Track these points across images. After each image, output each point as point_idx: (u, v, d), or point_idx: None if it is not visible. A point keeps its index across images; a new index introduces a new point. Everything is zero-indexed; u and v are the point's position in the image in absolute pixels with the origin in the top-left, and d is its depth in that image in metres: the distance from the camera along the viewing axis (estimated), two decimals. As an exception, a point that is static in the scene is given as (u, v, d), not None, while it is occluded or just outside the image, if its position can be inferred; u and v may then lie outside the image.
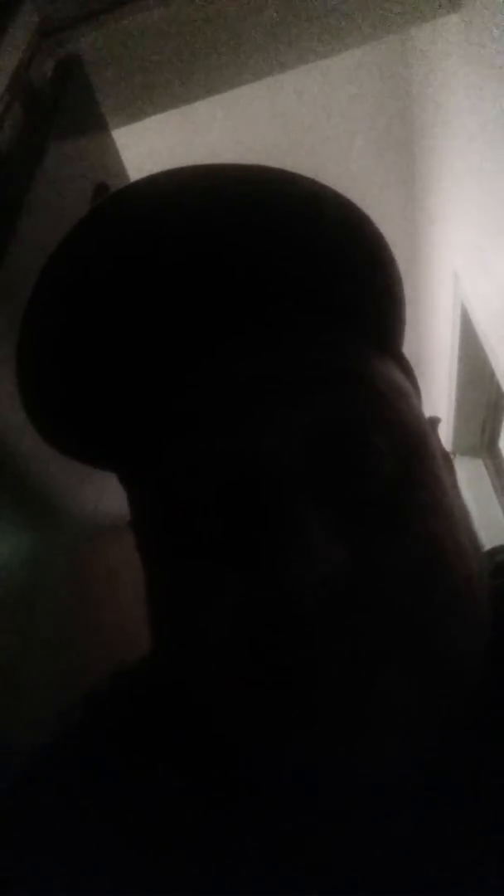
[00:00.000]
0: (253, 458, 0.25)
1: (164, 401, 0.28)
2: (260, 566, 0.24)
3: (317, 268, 0.28)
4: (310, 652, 0.23)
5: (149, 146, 1.33)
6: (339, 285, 0.28)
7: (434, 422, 0.33)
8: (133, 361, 0.28)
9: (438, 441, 0.32)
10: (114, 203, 0.28)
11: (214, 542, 0.26)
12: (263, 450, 0.25)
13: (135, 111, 1.13)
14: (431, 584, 0.25)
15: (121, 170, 1.05)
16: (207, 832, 0.27)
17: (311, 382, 0.26)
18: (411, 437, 0.28)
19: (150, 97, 1.12)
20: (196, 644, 0.26)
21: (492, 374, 1.76)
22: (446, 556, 0.26)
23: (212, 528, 0.26)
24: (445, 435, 2.24)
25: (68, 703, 0.34)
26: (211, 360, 0.27)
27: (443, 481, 0.29)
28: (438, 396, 2.16)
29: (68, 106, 0.88)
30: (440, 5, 1.18)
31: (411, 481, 0.27)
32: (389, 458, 0.26)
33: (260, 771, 0.26)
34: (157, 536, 0.28)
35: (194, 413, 0.27)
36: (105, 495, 0.69)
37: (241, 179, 0.27)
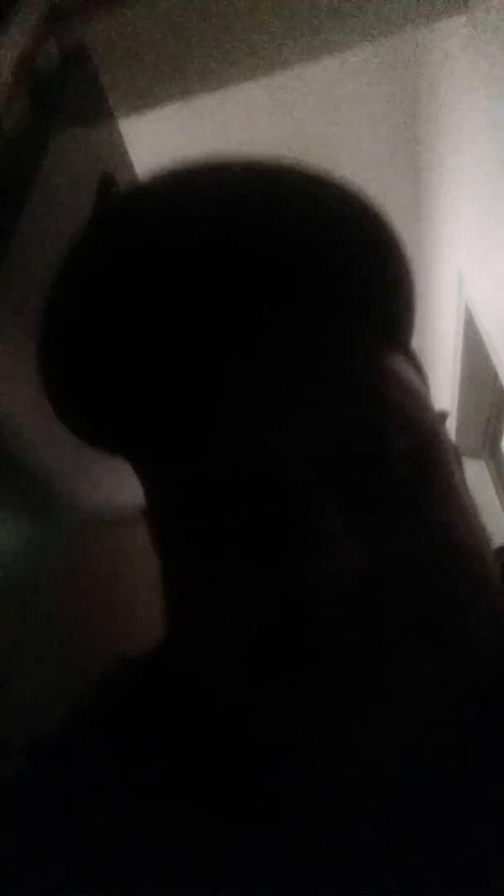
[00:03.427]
0: (274, 455, 0.26)
1: (187, 394, 0.28)
2: (281, 558, 0.24)
3: (329, 263, 0.28)
4: (329, 643, 0.24)
5: (154, 136, 1.32)
6: (351, 279, 0.29)
7: (442, 416, 0.33)
8: (153, 354, 0.28)
9: (447, 436, 0.32)
10: (128, 200, 0.29)
11: (235, 534, 0.26)
12: (285, 448, 0.26)
13: (141, 101, 1.12)
14: (447, 574, 0.26)
15: (126, 159, 1.04)
16: (213, 823, 0.27)
17: (330, 384, 0.27)
18: (424, 434, 0.28)
19: (156, 87, 1.11)
20: (213, 633, 0.26)
21: (495, 376, 1.76)
22: (461, 548, 0.26)
23: (233, 520, 0.26)
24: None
25: (79, 690, 0.34)
26: (233, 357, 0.27)
27: (455, 477, 0.29)
28: (441, 397, 2.16)
29: (74, 94, 0.87)
30: (448, 5, 1.17)
31: (426, 476, 0.27)
32: (405, 456, 0.27)
33: (267, 761, 0.27)
34: (176, 526, 0.28)
35: (216, 408, 0.27)
36: (104, 487, 0.69)
37: (251, 174, 0.27)
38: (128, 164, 1.05)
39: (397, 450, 0.26)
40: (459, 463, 0.32)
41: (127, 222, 0.28)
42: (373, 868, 0.25)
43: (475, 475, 2.19)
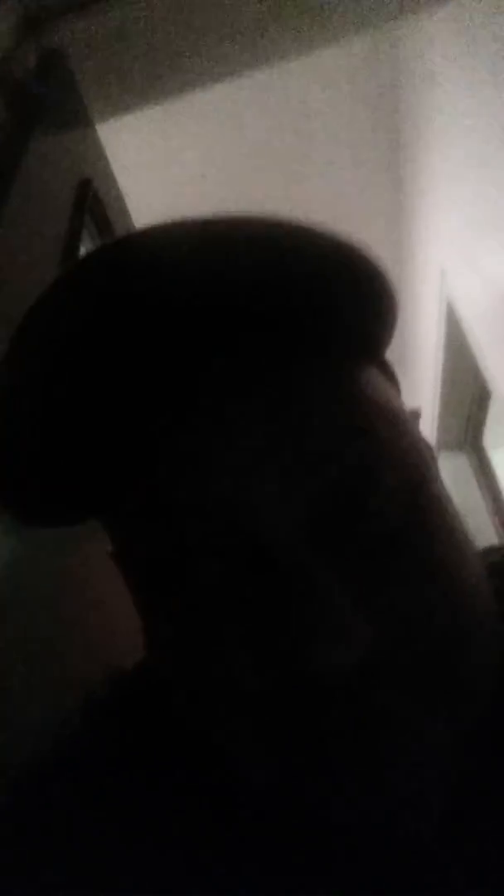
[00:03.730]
0: (260, 521, 0.24)
1: (156, 461, 0.26)
2: (282, 643, 0.23)
3: (305, 306, 0.26)
4: (339, 719, 0.23)
5: (132, 141, 1.32)
6: (329, 318, 0.27)
7: (415, 415, 0.33)
8: (120, 409, 0.26)
9: (424, 438, 0.32)
10: (98, 256, 0.26)
11: (225, 611, 0.25)
12: (272, 511, 0.24)
13: (119, 105, 1.12)
14: (453, 628, 0.25)
15: (105, 165, 1.04)
16: (205, 842, 0.28)
17: (311, 434, 0.25)
18: (413, 467, 0.27)
19: (134, 91, 1.11)
20: (209, 695, 0.25)
21: (476, 370, 1.78)
22: (461, 588, 0.26)
23: (219, 591, 0.25)
24: (429, 430, 2.25)
25: (67, 709, 0.34)
26: (203, 416, 0.26)
27: (443, 498, 0.28)
28: (423, 391, 2.18)
29: (51, 99, 0.87)
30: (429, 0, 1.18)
31: (420, 514, 0.26)
32: (396, 496, 0.25)
33: (268, 801, 0.27)
34: (158, 587, 0.27)
35: (191, 474, 0.25)
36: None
37: (222, 233, 0.25)
38: (106, 169, 1.05)
39: (387, 488, 0.25)
40: (434, 459, 0.31)
41: (84, 285, 0.25)
42: (372, 879, 0.26)
43: (457, 468, 2.21)
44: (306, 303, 0.26)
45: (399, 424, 0.28)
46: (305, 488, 0.24)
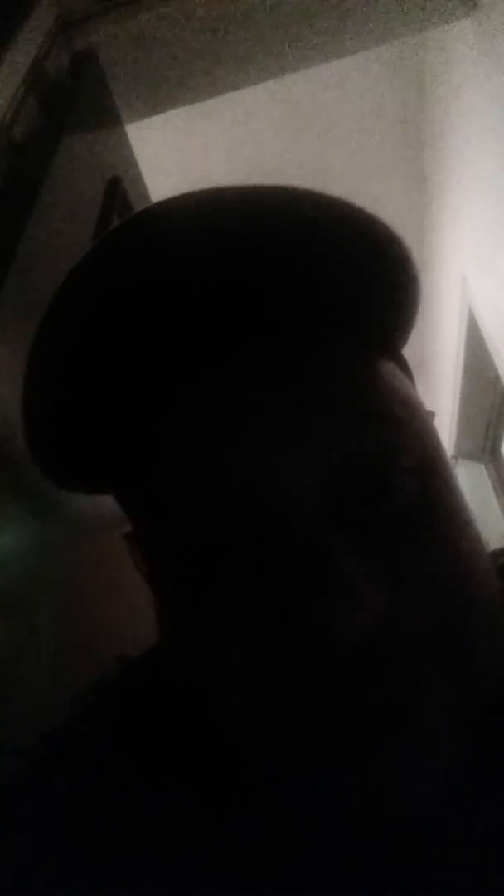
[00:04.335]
0: (278, 494, 0.25)
1: (180, 435, 0.27)
2: (297, 610, 0.23)
3: (332, 285, 0.27)
4: (351, 689, 0.24)
5: (160, 140, 1.33)
6: (355, 300, 0.28)
7: (430, 415, 0.33)
8: (145, 382, 0.27)
9: (439, 436, 0.32)
10: (127, 229, 0.27)
11: (240, 580, 0.25)
12: (289, 486, 0.25)
13: (148, 106, 1.14)
14: (462, 601, 0.25)
15: (133, 163, 1.06)
16: (213, 826, 0.28)
17: (330, 412, 0.26)
18: (427, 449, 0.28)
19: (163, 93, 1.13)
20: (223, 676, 0.25)
21: (496, 379, 1.76)
22: (471, 571, 0.26)
23: (237, 565, 0.25)
24: (447, 438, 2.24)
25: (80, 689, 0.35)
26: (223, 386, 0.26)
27: (455, 487, 0.29)
28: (442, 399, 2.16)
29: (83, 99, 0.88)
30: (454, 9, 1.18)
31: (431, 494, 0.27)
32: (410, 476, 0.26)
33: (280, 786, 0.27)
34: (175, 561, 0.27)
35: (214, 449, 0.26)
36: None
37: (249, 202, 0.26)
38: (134, 167, 1.07)
39: (403, 469, 0.26)
40: (448, 462, 0.32)
41: (119, 257, 0.26)
42: (370, 876, 0.26)
43: (475, 478, 2.19)
44: (335, 276, 0.27)
45: (414, 409, 0.29)
46: (324, 464, 0.25)
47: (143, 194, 1.09)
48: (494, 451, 2.22)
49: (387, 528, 0.25)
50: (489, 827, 0.26)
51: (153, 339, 0.26)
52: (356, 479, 0.25)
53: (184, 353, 0.27)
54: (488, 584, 0.27)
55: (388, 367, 0.29)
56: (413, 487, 0.26)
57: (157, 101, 1.14)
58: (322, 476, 0.25)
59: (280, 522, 0.24)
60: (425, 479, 0.27)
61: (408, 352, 0.34)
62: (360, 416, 0.26)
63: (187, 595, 0.26)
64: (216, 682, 0.26)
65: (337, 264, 0.27)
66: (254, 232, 0.25)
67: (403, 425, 0.27)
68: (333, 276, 0.27)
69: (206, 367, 0.27)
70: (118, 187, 0.87)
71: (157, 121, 1.18)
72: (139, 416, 0.28)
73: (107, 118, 0.98)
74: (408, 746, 0.24)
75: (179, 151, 1.65)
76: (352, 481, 0.25)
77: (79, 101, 0.87)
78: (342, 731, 0.24)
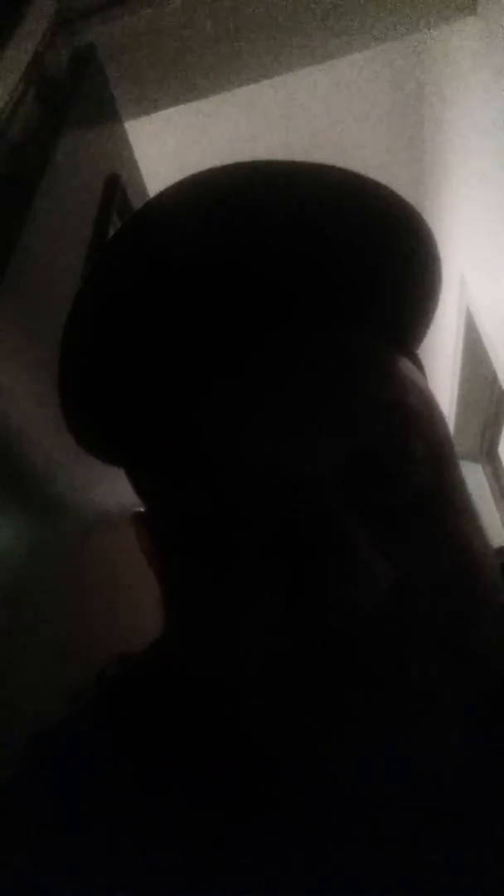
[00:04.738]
0: (296, 475, 0.25)
1: (203, 414, 0.27)
2: (309, 585, 0.24)
3: (356, 273, 0.28)
4: (361, 663, 0.24)
5: (159, 138, 1.33)
6: (378, 292, 0.29)
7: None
8: (172, 365, 0.28)
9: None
10: (147, 213, 0.28)
11: (253, 556, 0.26)
12: (306, 466, 0.25)
13: (148, 103, 1.13)
14: (468, 586, 0.26)
15: (132, 160, 1.05)
16: (214, 819, 0.28)
17: (349, 398, 0.26)
18: (440, 443, 0.28)
19: (163, 89, 1.12)
20: (235, 655, 0.26)
21: (494, 380, 1.77)
22: (477, 558, 0.27)
23: (251, 542, 0.26)
24: (446, 438, 2.23)
25: (80, 684, 0.35)
26: (246, 368, 0.27)
27: (464, 483, 0.30)
28: (439, 399, 2.16)
29: (82, 95, 0.88)
30: (456, 8, 1.18)
31: (443, 485, 0.27)
32: (424, 467, 0.27)
33: (290, 768, 0.27)
34: (188, 546, 0.27)
35: (233, 428, 0.26)
36: (104, 486, 0.69)
37: (271, 181, 0.26)
38: (133, 164, 1.06)
39: (418, 457, 0.26)
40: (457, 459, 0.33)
41: (143, 239, 0.28)
42: (383, 871, 0.26)
43: (472, 479, 2.19)
44: (360, 261, 0.27)
45: (429, 402, 0.30)
46: (342, 448, 0.26)
47: (142, 191, 1.09)
48: (491, 451, 2.22)
49: (399, 514, 0.26)
50: (491, 818, 0.27)
51: (185, 322, 0.27)
52: (372, 464, 0.26)
53: (215, 337, 0.27)
54: (494, 576, 0.27)
55: (405, 363, 0.30)
56: (426, 477, 0.27)
57: (156, 98, 1.14)
58: (339, 459, 0.25)
59: (297, 501, 0.25)
60: (437, 471, 0.27)
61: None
62: (378, 405, 0.27)
63: (201, 572, 0.27)
64: (228, 659, 0.26)
65: (360, 244, 0.27)
66: (283, 213, 0.26)
67: (419, 417, 0.28)
68: (357, 256, 0.27)
69: (236, 351, 0.27)
70: (117, 184, 0.87)
71: (156, 118, 1.18)
72: (168, 392, 0.28)
73: (106, 114, 0.98)
74: (414, 721, 0.24)
75: (178, 148, 1.65)
76: (368, 467, 0.26)
77: (78, 97, 0.87)
78: (352, 706, 0.24)
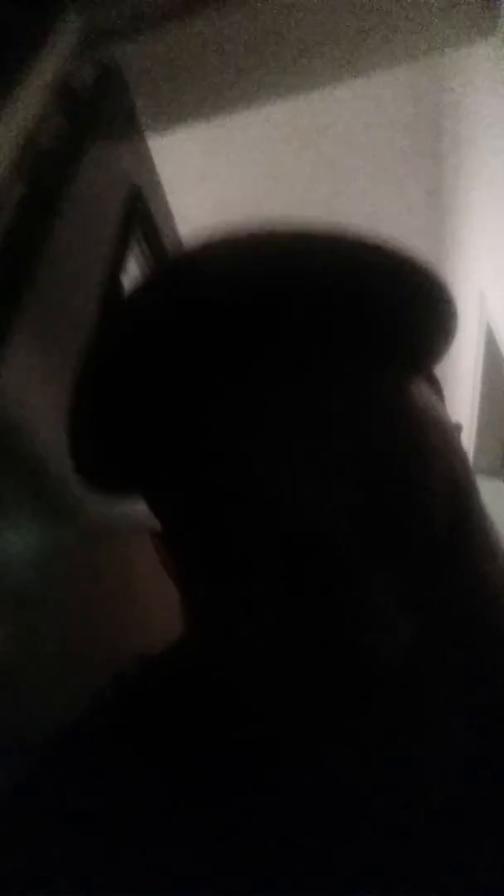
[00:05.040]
0: (310, 514, 0.25)
1: (221, 451, 0.27)
2: (327, 632, 0.24)
3: (361, 313, 0.27)
4: (377, 709, 0.24)
5: (180, 153, 1.35)
6: (385, 327, 0.28)
7: (458, 428, 0.33)
8: (188, 409, 0.28)
9: (462, 448, 0.32)
10: (170, 270, 0.29)
11: (270, 601, 0.25)
12: (324, 509, 0.25)
13: (170, 119, 1.15)
14: (488, 633, 0.26)
15: (154, 175, 1.07)
16: (227, 824, 0.28)
17: (368, 438, 0.26)
18: (457, 474, 0.28)
19: (184, 106, 1.14)
20: (254, 682, 0.26)
21: (514, 395, 1.75)
22: (498, 596, 0.27)
23: (268, 586, 0.25)
24: (465, 455, 2.22)
25: (97, 686, 0.35)
26: (266, 414, 0.27)
27: (483, 510, 0.29)
28: (460, 415, 2.15)
29: (107, 111, 0.90)
30: (475, 29, 1.19)
31: (462, 519, 0.27)
32: (442, 504, 0.26)
33: (290, 766, 0.27)
34: (207, 584, 0.28)
35: (250, 467, 0.26)
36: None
37: (288, 243, 0.27)
38: (155, 179, 1.08)
39: (434, 496, 0.26)
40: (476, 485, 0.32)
41: (165, 287, 0.28)
42: (382, 875, 0.26)
43: (492, 494, 2.16)
44: (373, 312, 0.27)
45: (447, 437, 0.29)
46: (358, 489, 0.25)
47: (164, 205, 1.10)
48: (512, 468, 2.19)
49: (416, 555, 0.25)
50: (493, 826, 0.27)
51: (193, 360, 0.27)
52: (388, 509, 0.25)
53: (221, 371, 0.27)
54: None
55: (419, 387, 0.29)
56: (444, 515, 0.26)
57: (178, 114, 1.16)
58: (356, 500, 0.25)
59: (311, 543, 0.25)
60: (455, 506, 0.27)
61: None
62: (394, 451, 0.26)
63: (217, 605, 0.27)
64: (244, 681, 0.26)
65: (368, 301, 0.27)
66: (287, 273, 0.26)
67: (437, 455, 0.27)
68: (365, 311, 0.27)
69: (252, 389, 0.27)
70: (139, 198, 0.88)
71: (177, 133, 1.20)
72: (180, 426, 0.28)
73: (130, 130, 0.99)
74: (420, 762, 0.24)
75: (199, 164, 1.67)
76: (386, 505, 0.25)
77: (103, 113, 0.88)
78: (364, 746, 0.24)
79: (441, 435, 0.28)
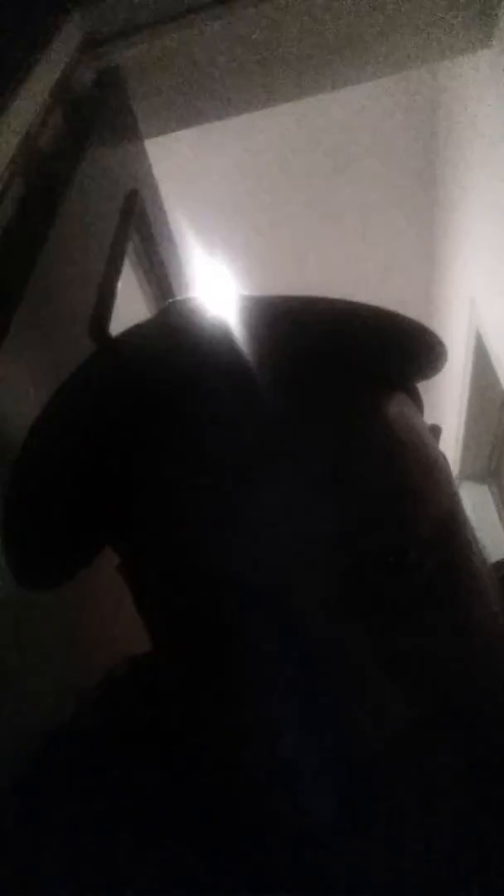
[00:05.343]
0: (285, 580, 0.23)
1: (192, 521, 0.25)
2: (313, 711, 0.23)
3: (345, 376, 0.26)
4: (372, 787, 0.23)
5: (177, 157, 1.36)
6: (374, 374, 0.28)
7: (436, 431, 0.32)
8: (156, 477, 0.26)
9: (442, 456, 0.31)
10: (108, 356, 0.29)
11: (249, 665, 0.24)
12: (298, 573, 0.23)
13: (168, 123, 1.17)
14: (481, 687, 0.25)
15: (151, 178, 1.08)
16: (215, 824, 0.28)
17: (345, 498, 0.24)
18: (444, 508, 0.26)
19: (183, 111, 1.16)
20: (225, 745, 0.25)
21: (502, 401, 1.78)
22: (489, 648, 0.25)
23: (244, 649, 0.24)
24: (452, 459, 2.24)
25: (86, 686, 0.35)
26: (239, 468, 0.24)
27: (469, 532, 0.28)
28: (447, 421, 2.17)
29: (106, 114, 0.91)
30: (470, 40, 1.21)
31: (451, 560, 0.25)
32: (429, 547, 0.25)
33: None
34: (173, 632, 0.26)
35: (221, 533, 0.24)
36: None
37: (253, 317, 0.26)
38: (153, 182, 1.09)
39: (423, 541, 0.24)
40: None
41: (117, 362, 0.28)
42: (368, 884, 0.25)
43: (479, 499, 2.19)
44: (361, 365, 0.27)
45: (432, 467, 0.27)
46: (342, 553, 0.23)
47: (160, 207, 1.11)
48: (499, 473, 2.22)
49: (406, 607, 0.24)
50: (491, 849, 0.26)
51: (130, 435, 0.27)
52: (373, 561, 0.23)
53: (171, 435, 0.26)
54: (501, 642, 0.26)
55: (401, 410, 0.28)
56: (432, 561, 0.24)
57: (176, 118, 1.17)
58: (340, 565, 0.23)
59: (290, 613, 0.23)
60: (444, 545, 0.25)
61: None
62: (377, 498, 0.24)
63: (183, 657, 0.26)
64: (214, 738, 0.25)
65: (368, 358, 0.27)
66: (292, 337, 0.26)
67: (422, 493, 0.25)
68: (364, 364, 0.27)
69: (219, 453, 0.25)
70: (136, 200, 0.89)
71: (175, 137, 1.21)
72: (157, 500, 0.26)
73: (128, 133, 1.00)
74: (418, 833, 0.23)
75: (197, 167, 1.68)
76: (368, 564, 0.23)
77: (102, 116, 0.89)
78: (347, 813, 0.23)
79: (426, 467, 0.26)
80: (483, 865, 0.25)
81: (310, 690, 0.23)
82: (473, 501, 2.16)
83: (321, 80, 1.22)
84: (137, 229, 0.91)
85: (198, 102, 1.16)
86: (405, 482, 0.25)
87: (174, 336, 0.27)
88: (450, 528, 0.26)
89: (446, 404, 2.18)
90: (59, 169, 0.76)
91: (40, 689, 0.53)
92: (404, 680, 0.23)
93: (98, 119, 0.87)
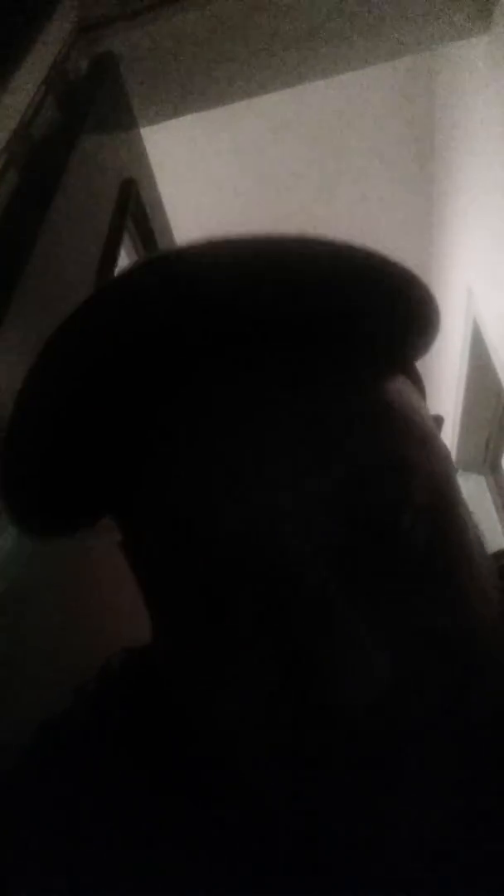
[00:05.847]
0: (279, 542, 0.23)
1: (178, 473, 0.25)
2: (301, 670, 0.23)
3: (335, 314, 0.26)
4: (352, 746, 0.23)
5: (173, 144, 1.35)
6: (361, 327, 0.27)
7: (438, 421, 0.32)
8: (141, 413, 0.26)
9: (443, 443, 0.31)
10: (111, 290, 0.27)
11: (243, 625, 0.24)
12: (292, 534, 0.23)
13: (164, 110, 1.16)
14: (470, 660, 0.25)
15: (147, 166, 1.07)
16: (210, 820, 0.28)
17: (340, 460, 0.24)
18: (439, 481, 0.26)
19: (178, 97, 1.15)
20: (220, 714, 0.25)
21: (499, 391, 1.78)
22: (481, 621, 0.25)
23: (238, 611, 0.24)
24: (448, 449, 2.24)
25: (84, 676, 0.35)
26: (235, 428, 0.25)
27: (464, 511, 0.28)
28: (443, 410, 2.17)
29: (100, 101, 0.90)
30: (467, 25, 1.20)
31: (444, 534, 0.26)
32: (422, 517, 0.25)
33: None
34: (174, 599, 0.26)
35: (214, 492, 0.24)
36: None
37: (253, 252, 0.25)
38: (148, 169, 1.08)
39: (415, 509, 0.24)
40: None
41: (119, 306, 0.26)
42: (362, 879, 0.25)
43: (475, 489, 2.20)
44: (336, 311, 0.26)
45: (428, 440, 0.27)
46: (334, 514, 0.23)
47: (156, 196, 1.11)
48: (495, 463, 2.23)
49: (397, 574, 0.24)
50: (490, 849, 0.26)
51: (147, 369, 0.26)
52: (369, 524, 0.24)
53: (173, 377, 0.26)
54: (496, 631, 0.26)
55: (401, 389, 0.28)
56: (425, 529, 0.25)
57: (172, 105, 1.16)
58: (332, 526, 0.23)
59: (282, 572, 0.23)
60: (437, 518, 0.25)
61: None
62: (372, 462, 0.24)
63: (184, 627, 0.26)
64: (210, 711, 0.26)
65: (342, 296, 0.26)
66: (263, 272, 0.25)
67: (418, 463, 0.25)
68: (338, 308, 0.26)
69: (201, 395, 0.25)
70: (132, 188, 0.89)
71: (171, 125, 1.20)
72: (135, 451, 0.27)
73: (123, 120, 1.00)
74: (407, 801, 0.24)
75: (191, 155, 1.67)
76: (364, 527, 0.24)
77: (96, 103, 0.89)
78: (339, 784, 0.24)
79: (422, 440, 0.26)
80: (470, 831, 0.25)
81: (298, 652, 0.23)
82: (470, 492, 2.17)
83: (318, 66, 1.21)
84: (133, 217, 0.90)
85: (194, 89, 1.15)
86: (399, 448, 0.25)
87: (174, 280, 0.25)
88: (445, 499, 0.26)
89: (442, 395, 2.18)
90: (53, 158, 0.75)
91: (40, 678, 0.53)
92: (389, 643, 0.23)
93: (92, 106, 0.86)
